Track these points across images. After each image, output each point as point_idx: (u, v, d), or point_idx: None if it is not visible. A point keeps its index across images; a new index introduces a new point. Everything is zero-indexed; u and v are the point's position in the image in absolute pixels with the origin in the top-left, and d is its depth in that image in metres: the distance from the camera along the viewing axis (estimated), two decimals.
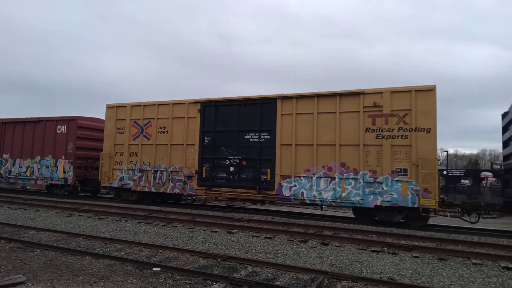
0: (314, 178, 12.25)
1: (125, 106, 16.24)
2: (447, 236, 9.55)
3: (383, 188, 11.30)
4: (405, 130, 11.24)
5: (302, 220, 11.76)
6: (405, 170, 11.13)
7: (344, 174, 11.85)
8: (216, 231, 9.89)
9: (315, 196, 12.20)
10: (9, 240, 8.41)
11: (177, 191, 14.67)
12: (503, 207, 10.21)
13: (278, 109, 13.07)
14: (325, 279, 5.91)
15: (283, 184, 12.73)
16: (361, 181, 11.58)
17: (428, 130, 10.99)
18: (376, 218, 11.83)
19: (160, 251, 7.76)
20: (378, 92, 11.68)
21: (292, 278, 6.07)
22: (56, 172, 18.15)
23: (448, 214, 10.78)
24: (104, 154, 16.49)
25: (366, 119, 11.75)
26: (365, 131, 11.70)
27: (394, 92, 11.49)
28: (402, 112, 11.32)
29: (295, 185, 12.54)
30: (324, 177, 12.14)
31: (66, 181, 17.73)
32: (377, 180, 11.38)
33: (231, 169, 13.64)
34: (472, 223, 11.35)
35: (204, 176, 14.13)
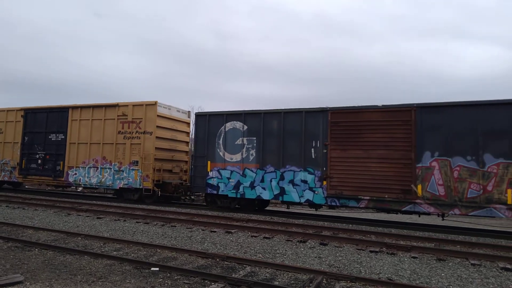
0: (87, 168, 16.51)
1: None
2: (446, 237, 9.65)
3: (124, 175, 15.61)
4: (139, 133, 15.55)
5: (301, 220, 11.79)
6: (137, 162, 15.44)
7: (104, 165, 16.12)
8: (214, 231, 9.81)
9: (87, 182, 16.47)
10: (7, 239, 8.35)
11: (6, 178, 18.81)
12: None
13: (70, 116, 17.27)
14: (324, 279, 5.94)
15: (69, 172, 16.95)
16: (113, 170, 15.87)
17: (151, 133, 15.33)
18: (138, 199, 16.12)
19: (159, 250, 7.74)
20: (126, 105, 15.97)
21: (291, 278, 6.07)
22: None
23: (159, 192, 15.12)
24: None
25: (118, 124, 16.02)
26: (118, 133, 15.97)
27: (135, 105, 15.81)
28: (139, 120, 15.63)
29: (76, 173, 16.79)
30: (93, 167, 16.40)
31: None
32: (121, 169, 15.68)
33: (39, 161, 17.82)
34: (184, 200, 15.81)
35: (23, 167, 18.27)
